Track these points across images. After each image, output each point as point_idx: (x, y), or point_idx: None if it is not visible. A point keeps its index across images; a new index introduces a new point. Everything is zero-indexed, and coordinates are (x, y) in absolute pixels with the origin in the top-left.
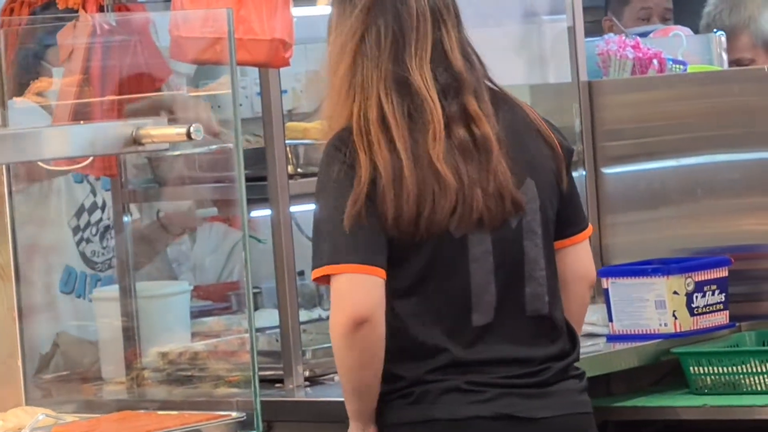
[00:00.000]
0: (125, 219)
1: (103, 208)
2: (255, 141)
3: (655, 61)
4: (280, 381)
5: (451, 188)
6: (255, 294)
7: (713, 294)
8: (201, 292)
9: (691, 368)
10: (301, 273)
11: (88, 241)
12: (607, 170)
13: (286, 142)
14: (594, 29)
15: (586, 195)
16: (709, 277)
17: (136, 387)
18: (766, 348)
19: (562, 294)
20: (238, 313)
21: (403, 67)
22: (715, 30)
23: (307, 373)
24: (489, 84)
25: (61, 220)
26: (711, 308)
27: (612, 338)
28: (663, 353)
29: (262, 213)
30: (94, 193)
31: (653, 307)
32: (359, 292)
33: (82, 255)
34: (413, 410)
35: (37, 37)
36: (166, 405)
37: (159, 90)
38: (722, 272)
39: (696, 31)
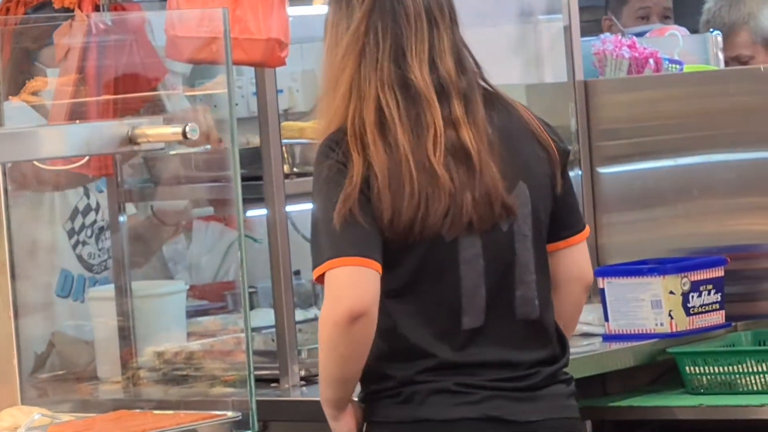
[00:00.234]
0: (121, 218)
1: (97, 210)
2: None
3: (651, 61)
4: (276, 380)
5: (445, 191)
6: (251, 293)
7: (709, 294)
8: (197, 291)
9: (687, 368)
10: (297, 272)
11: (84, 243)
12: (603, 170)
13: (282, 141)
14: (593, 28)
15: (582, 195)
16: (705, 277)
17: (132, 386)
18: (762, 348)
19: (556, 294)
20: (234, 313)
21: (404, 68)
22: (712, 30)
23: (302, 373)
24: (483, 85)
25: (56, 224)
26: (707, 308)
27: (608, 338)
28: (659, 353)
29: (257, 212)
30: (87, 195)
31: (649, 307)
32: (358, 284)
33: (79, 258)
34: (402, 410)
35: (31, 37)
36: (161, 404)
37: (155, 89)
38: (718, 272)
39: (695, 30)
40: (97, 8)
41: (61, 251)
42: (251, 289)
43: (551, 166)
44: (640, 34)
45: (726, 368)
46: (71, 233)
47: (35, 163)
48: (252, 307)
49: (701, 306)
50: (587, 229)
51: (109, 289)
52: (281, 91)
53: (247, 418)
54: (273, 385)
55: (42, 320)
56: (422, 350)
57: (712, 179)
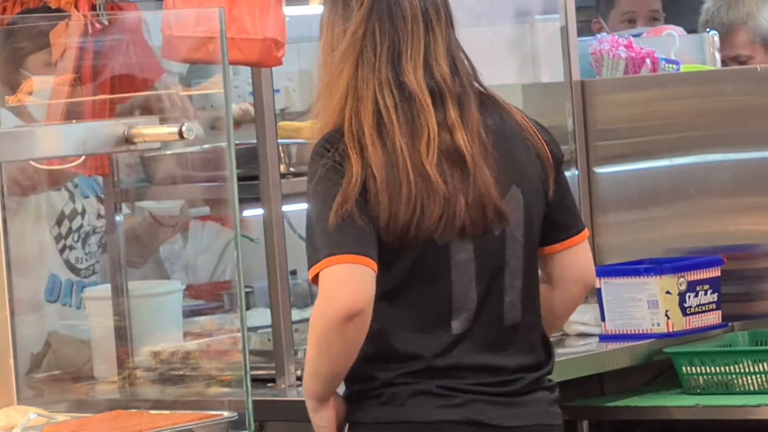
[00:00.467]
0: (117, 218)
1: (83, 215)
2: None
3: (647, 61)
4: (272, 380)
5: (439, 195)
6: (247, 293)
7: (706, 294)
8: (193, 291)
9: (684, 368)
10: (294, 272)
11: (71, 248)
12: (600, 170)
13: (279, 141)
14: (587, 29)
15: (579, 195)
16: (701, 277)
17: (128, 386)
18: (758, 348)
19: (554, 293)
20: (231, 313)
21: (400, 71)
22: (708, 29)
23: (299, 373)
24: (478, 87)
25: (42, 229)
26: (704, 308)
27: (604, 338)
28: (656, 353)
29: (254, 212)
30: (73, 200)
31: (646, 307)
32: (354, 283)
33: (67, 262)
34: (383, 411)
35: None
36: (158, 404)
37: (151, 89)
38: (715, 272)
39: (693, 30)
40: (93, 8)
41: (48, 256)
42: (247, 289)
43: (545, 170)
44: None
45: (723, 368)
46: (58, 238)
47: (31, 162)
48: (248, 307)
49: (698, 306)
50: (586, 231)
51: (106, 289)
52: (278, 90)
53: (243, 418)
54: (269, 385)
55: (38, 320)
56: (407, 354)
57: (708, 179)
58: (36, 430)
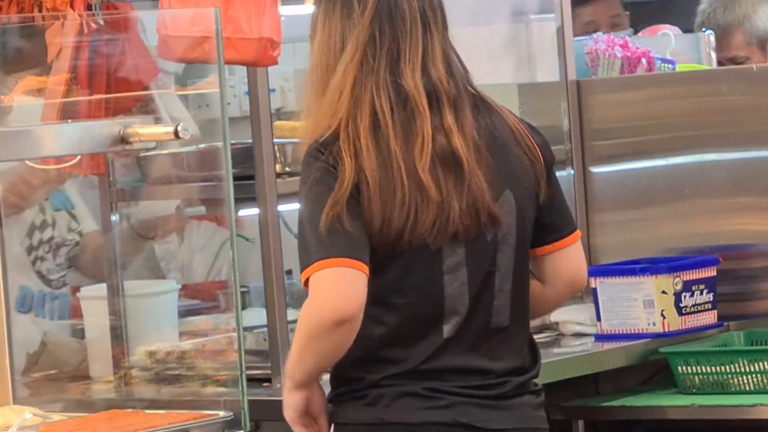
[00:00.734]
0: (113, 218)
1: (53, 226)
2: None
3: (643, 60)
4: (268, 380)
5: (433, 201)
6: (243, 293)
7: (701, 293)
8: (189, 291)
9: (680, 368)
10: (289, 272)
11: (42, 259)
12: (596, 169)
13: (274, 140)
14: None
15: (575, 194)
16: (697, 277)
17: (124, 386)
18: (754, 348)
19: (544, 291)
20: (226, 312)
21: (398, 73)
22: (704, 29)
23: None
24: (471, 90)
25: (12, 241)
26: (699, 308)
27: (600, 338)
28: (651, 353)
29: (249, 212)
30: (43, 211)
31: (641, 307)
32: (345, 287)
33: (38, 273)
34: (367, 412)
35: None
36: (153, 404)
37: (147, 89)
38: (710, 272)
39: (690, 30)
40: (89, 7)
41: (20, 268)
42: (243, 289)
43: (536, 173)
44: None
45: (718, 368)
46: (30, 249)
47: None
48: (244, 307)
49: (693, 306)
50: (578, 232)
51: (101, 289)
52: (273, 90)
53: (239, 417)
54: (265, 384)
55: (34, 319)
56: (395, 358)
57: (704, 179)
58: (32, 430)
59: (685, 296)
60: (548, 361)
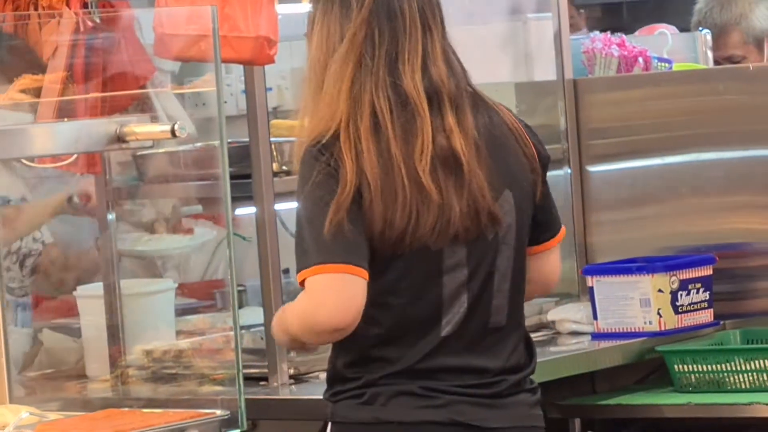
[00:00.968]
0: (109, 216)
1: (21, 237)
2: None
3: (640, 59)
4: (265, 379)
5: (434, 203)
6: (240, 292)
7: (698, 292)
8: (186, 289)
9: (676, 366)
10: (286, 271)
11: (8, 269)
12: (592, 168)
13: (271, 139)
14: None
15: (571, 193)
16: (693, 276)
17: (121, 385)
18: (750, 346)
19: (527, 288)
20: (223, 311)
21: (397, 75)
22: (701, 28)
23: (291, 371)
24: (470, 89)
25: None
26: (695, 306)
27: (597, 336)
28: (647, 351)
29: (246, 211)
30: None
31: (638, 306)
32: (344, 295)
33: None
34: (364, 410)
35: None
36: (150, 403)
37: (143, 87)
38: (707, 270)
39: (686, 29)
40: (85, 6)
41: None
42: (240, 288)
43: (533, 173)
44: None
45: (714, 367)
46: None
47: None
48: (241, 306)
49: (690, 304)
50: (563, 229)
51: (98, 288)
52: (270, 89)
53: (235, 416)
54: (262, 383)
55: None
56: (392, 357)
57: (700, 178)
58: (28, 429)
59: (681, 295)
60: (545, 359)
